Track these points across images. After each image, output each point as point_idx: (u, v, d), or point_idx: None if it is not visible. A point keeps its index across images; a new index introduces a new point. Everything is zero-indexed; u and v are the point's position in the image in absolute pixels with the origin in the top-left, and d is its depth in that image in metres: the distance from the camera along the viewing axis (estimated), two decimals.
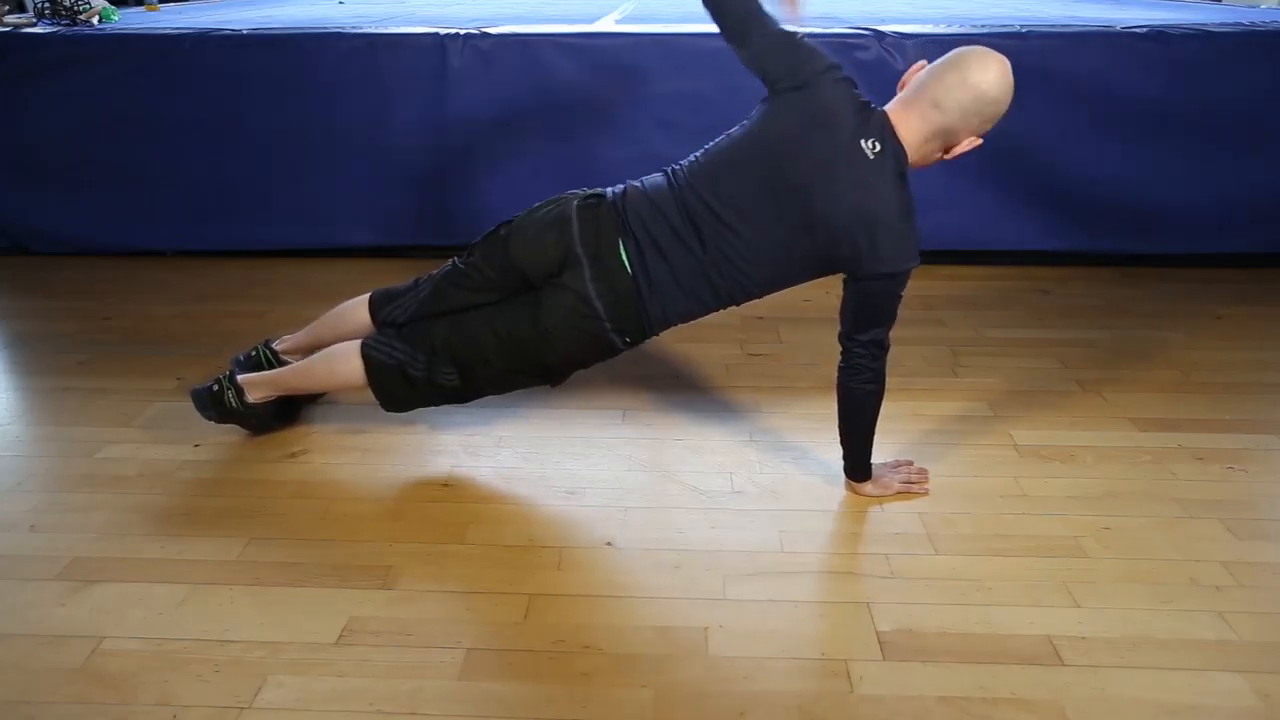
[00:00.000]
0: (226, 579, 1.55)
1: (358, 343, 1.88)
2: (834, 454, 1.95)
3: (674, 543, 1.65)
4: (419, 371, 1.82)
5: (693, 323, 1.82)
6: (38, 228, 3.19)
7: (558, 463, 1.92)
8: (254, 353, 2.13)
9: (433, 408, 1.92)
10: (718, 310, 1.78)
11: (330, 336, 2.01)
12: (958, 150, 1.67)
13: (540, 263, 1.75)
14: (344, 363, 1.88)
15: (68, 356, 2.43)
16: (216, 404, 1.97)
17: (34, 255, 3.20)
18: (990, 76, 1.57)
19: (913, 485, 1.80)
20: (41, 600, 1.49)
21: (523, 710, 1.28)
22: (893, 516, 1.73)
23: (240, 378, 1.99)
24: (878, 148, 1.64)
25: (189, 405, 2.15)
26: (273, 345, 2.14)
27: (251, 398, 1.97)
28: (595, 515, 1.74)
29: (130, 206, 3.14)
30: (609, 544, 1.65)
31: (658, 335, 1.82)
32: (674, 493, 1.81)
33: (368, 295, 2.02)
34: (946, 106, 1.61)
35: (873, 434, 1.75)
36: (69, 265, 3.14)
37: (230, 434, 2.02)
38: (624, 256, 1.69)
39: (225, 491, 1.81)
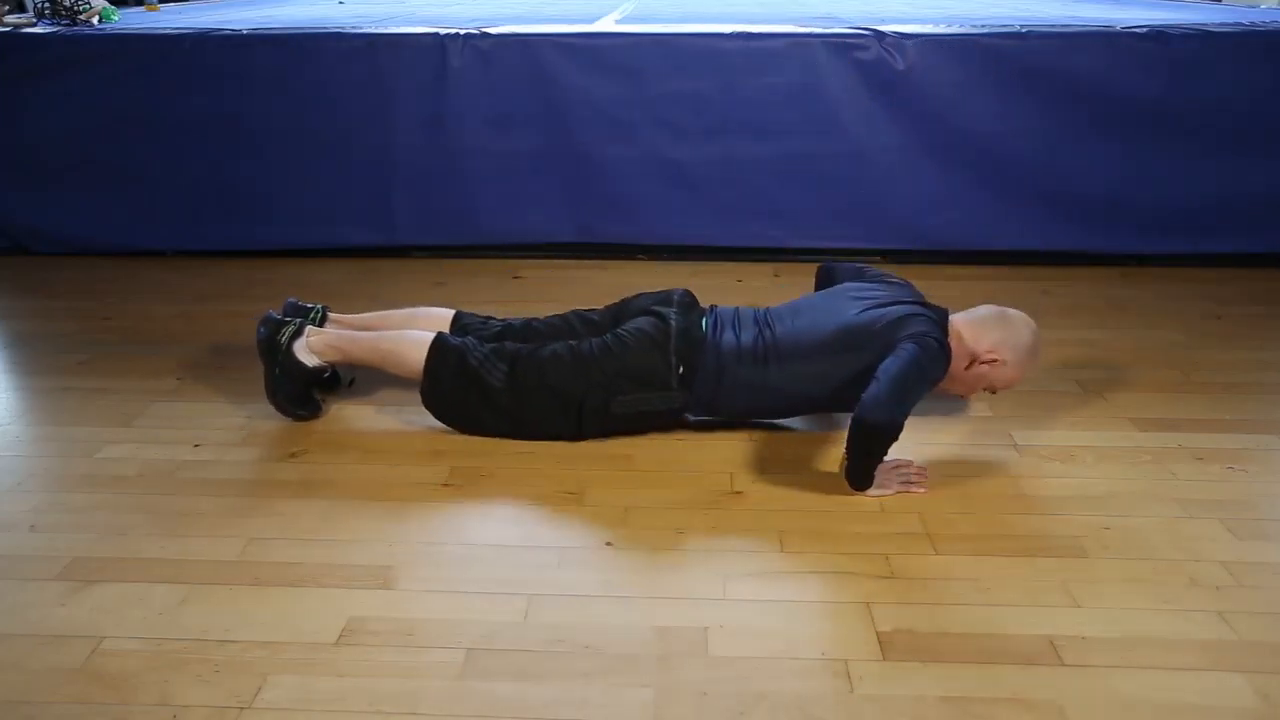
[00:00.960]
0: (226, 579, 1.55)
1: (437, 331, 2.01)
2: (834, 453, 1.95)
3: (674, 543, 1.65)
4: (475, 361, 1.95)
5: None
6: (38, 228, 3.19)
7: (558, 462, 1.92)
8: (312, 307, 2.16)
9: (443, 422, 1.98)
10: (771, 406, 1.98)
11: (397, 325, 2.11)
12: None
13: (639, 305, 2.05)
14: (414, 344, 1.98)
15: (68, 356, 2.43)
16: (274, 331, 2.02)
17: (34, 255, 3.20)
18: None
19: (912, 485, 1.80)
20: (41, 600, 1.49)
21: (523, 710, 1.28)
22: (893, 516, 1.73)
23: (309, 324, 2.06)
24: None
25: (189, 405, 2.16)
26: (330, 314, 2.19)
27: (308, 344, 2.01)
28: (595, 515, 1.74)
29: (130, 206, 3.14)
30: (609, 544, 1.65)
31: (695, 407, 1.96)
32: (674, 493, 1.81)
33: (452, 309, 2.16)
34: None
35: (881, 460, 1.76)
36: (69, 265, 3.14)
37: (230, 434, 2.03)
38: (703, 321, 1.98)
39: (225, 491, 1.81)
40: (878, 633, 1.42)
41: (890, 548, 1.64)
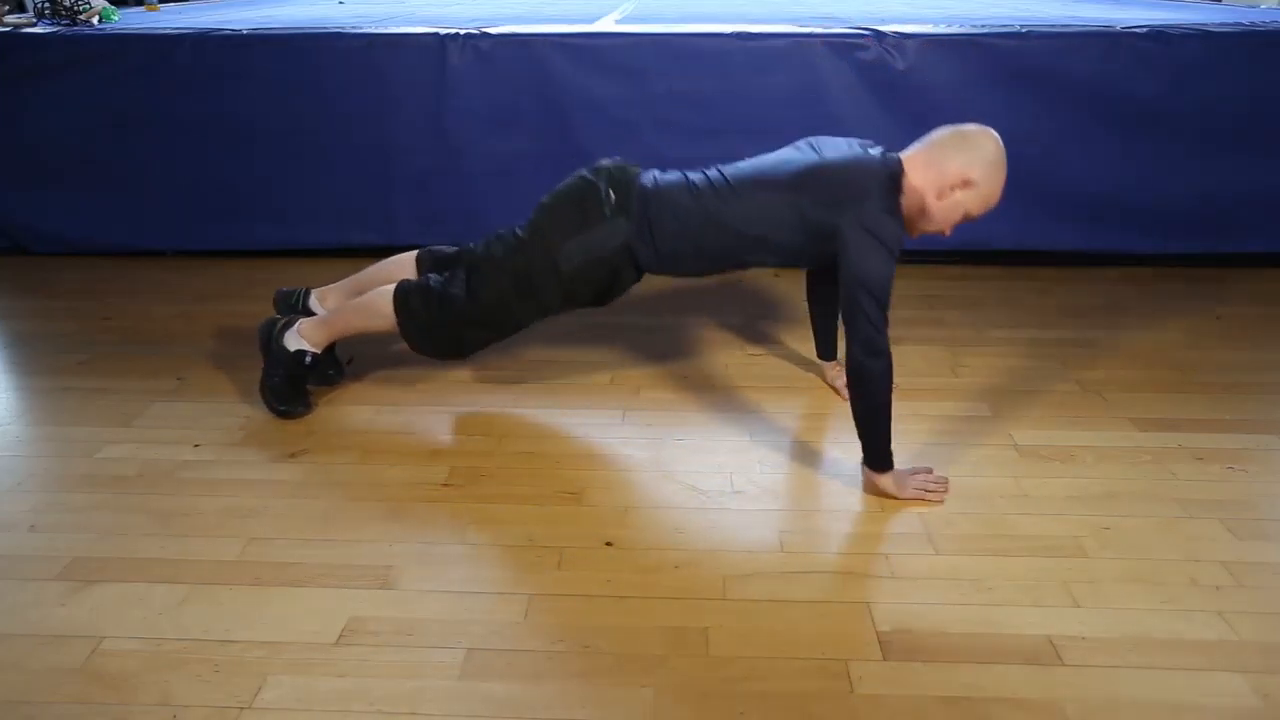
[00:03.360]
0: (226, 579, 1.55)
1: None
2: (834, 454, 1.95)
3: (674, 543, 1.65)
4: (437, 284, 1.97)
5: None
6: (38, 228, 3.19)
7: (558, 462, 1.92)
8: (293, 291, 2.25)
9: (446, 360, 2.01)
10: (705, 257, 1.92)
11: (371, 285, 2.14)
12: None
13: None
14: (383, 294, 2.01)
15: (68, 356, 2.43)
16: (271, 324, 2.09)
17: (34, 255, 3.20)
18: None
19: (928, 494, 1.77)
20: (41, 600, 1.50)
21: (523, 710, 1.28)
22: (893, 516, 1.73)
23: (302, 320, 2.10)
24: None
25: (189, 405, 2.16)
26: (312, 292, 2.25)
27: (292, 335, 2.06)
28: (595, 515, 1.74)
29: (130, 206, 3.14)
30: (609, 544, 1.65)
31: (642, 240, 1.89)
32: (674, 493, 1.81)
33: (414, 252, 2.17)
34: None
35: (889, 418, 1.73)
36: (69, 265, 3.14)
37: (230, 434, 2.03)
38: (639, 168, 1.96)
39: (225, 491, 1.81)
40: (878, 633, 1.43)
41: (890, 548, 1.64)
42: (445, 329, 1.98)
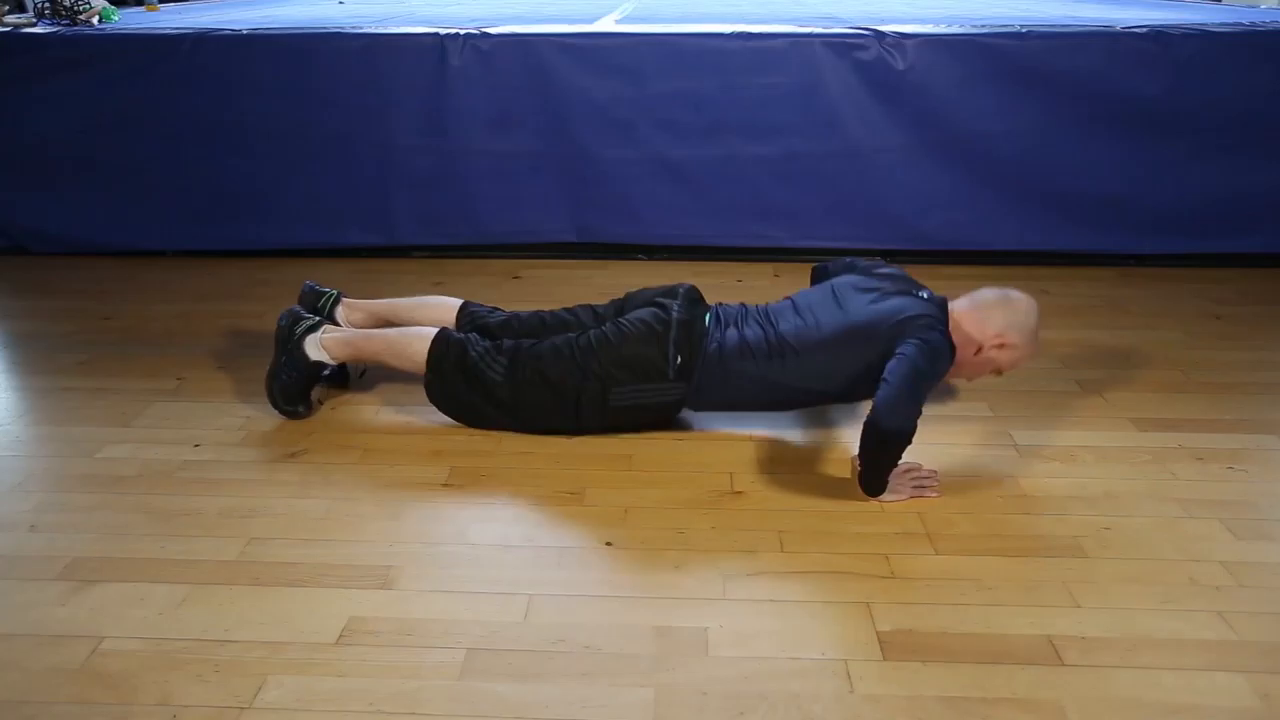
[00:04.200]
0: (226, 579, 1.55)
1: (441, 326, 2.04)
2: (834, 453, 1.95)
3: (674, 543, 1.65)
4: (476, 354, 1.96)
5: None
6: (38, 228, 3.19)
7: (558, 462, 1.92)
8: (327, 292, 2.23)
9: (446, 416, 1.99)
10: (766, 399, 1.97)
11: (406, 318, 2.15)
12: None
13: (643, 297, 2.06)
14: (420, 339, 2.00)
15: (68, 356, 2.43)
16: (293, 322, 2.07)
17: (34, 255, 3.21)
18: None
19: (924, 490, 1.78)
20: (41, 600, 1.49)
21: (523, 710, 1.28)
22: (893, 516, 1.73)
23: (327, 327, 2.09)
24: None
25: (189, 405, 2.16)
26: (343, 300, 2.23)
27: (314, 343, 2.04)
28: (595, 515, 1.74)
29: (130, 206, 3.14)
30: (609, 544, 1.65)
31: (694, 398, 1.95)
32: (674, 493, 1.81)
33: (458, 301, 2.18)
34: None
35: (895, 466, 1.75)
36: (69, 265, 3.14)
37: (230, 434, 2.03)
38: (707, 316, 1.98)
39: (225, 491, 1.81)
40: (878, 633, 1.42)
41: (890, 548, 1.64)
42: (472, 402, 1.99)
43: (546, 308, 2.19)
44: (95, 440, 2.00)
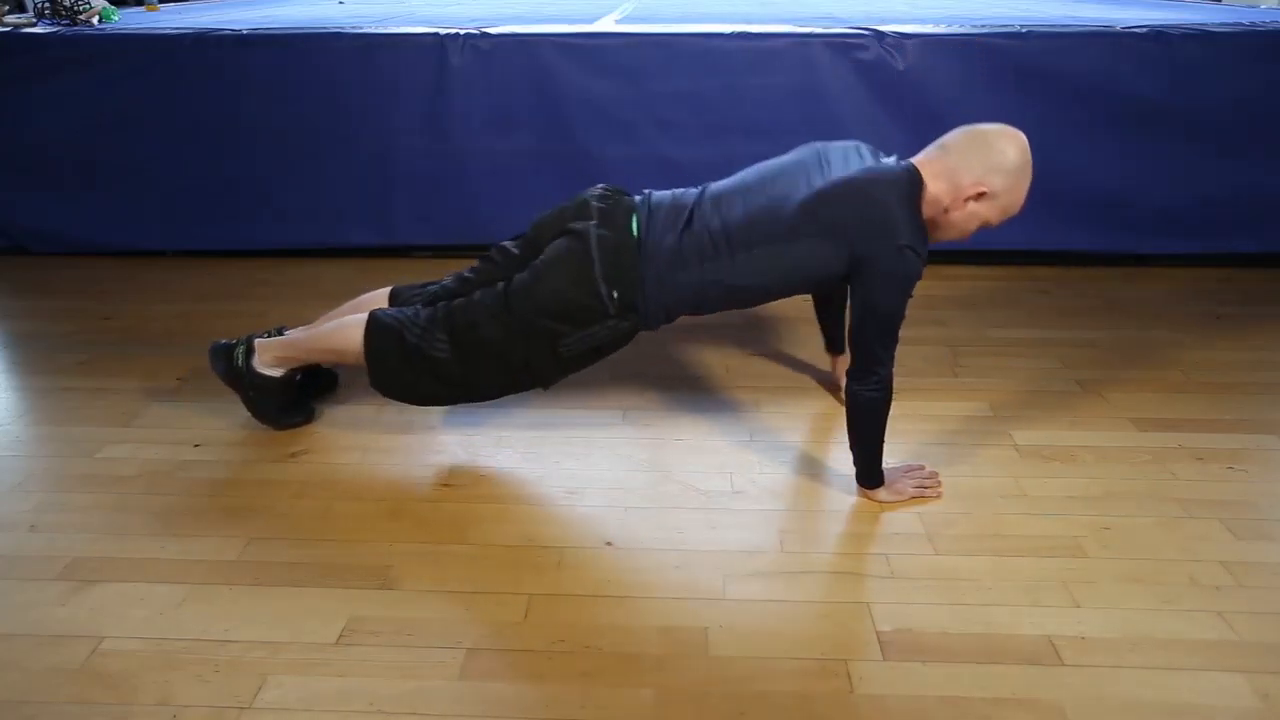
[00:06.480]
0: (226, 579, 1.55)
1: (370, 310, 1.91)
2: (834, 453, 1.95)
3: (674, 543, 1.65)
4: (414, 337, 1.80)
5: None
6: (38, 228, 3.19)
7: (557, 463, 1.92)
8: (269, 333, 2.13)
9: (425, 407, 1.91)
10: (712, 298, 1.77)
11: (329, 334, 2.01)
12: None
13: (555, 224, 1.84)
14: (352, 327, 1.87)
15: (68, 356, 2.43)
16: (226, 357, 1.99)
17: (34, 255, 3.20)
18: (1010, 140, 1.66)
19: (926, 490, 1.78)
20: (41, 600, 1.49)
21: (523, 710, 1.28)
22: (893, 516, 1.73)
23: (255, 339, 2.01)
24: None
25: (189, 405, 2.16)
26: (285, 331, 2.13)
27: (260, 360, 1.98)
28: (595, 515, 1.74)
29: (130, 206, 3.14)
30: (609, 544, 1.65)
31: (651, 322, 1.79)
32: (674, 493, 1.81)
33: (389, 288, 2.06)
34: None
35: (882, 441, 1.74)
36: (69, 265, 3.14)
37: (230, 433, 2.02)
38: (633, 222, 1.77)
39: (225, 491, 1.81)
40: (878, 633, 1.43)
41: (890, 548, 1.64)
42: (422, 385, 1.85)
43: None
44: (95, 440, 2.00)
